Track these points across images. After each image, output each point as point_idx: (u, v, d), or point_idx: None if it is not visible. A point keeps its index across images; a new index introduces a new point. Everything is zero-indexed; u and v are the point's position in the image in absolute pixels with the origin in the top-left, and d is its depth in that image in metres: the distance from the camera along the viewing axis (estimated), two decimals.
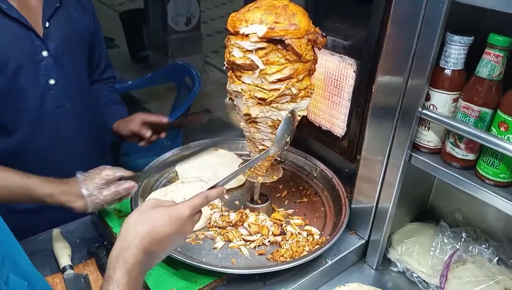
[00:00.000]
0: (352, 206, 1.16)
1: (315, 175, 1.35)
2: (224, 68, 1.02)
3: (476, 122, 0.86)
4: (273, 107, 1.00)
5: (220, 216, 1.17)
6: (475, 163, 0.89)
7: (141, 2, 5.01)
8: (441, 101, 0.91)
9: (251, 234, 1.11)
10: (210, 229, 1.14)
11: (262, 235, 1.11)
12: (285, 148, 1.07)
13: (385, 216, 1.08)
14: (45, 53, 1.24)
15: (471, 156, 0.90)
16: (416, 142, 0.98)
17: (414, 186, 1.13)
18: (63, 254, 1.11)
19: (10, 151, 1.26)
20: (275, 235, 1.11)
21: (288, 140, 1.06)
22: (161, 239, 0.74)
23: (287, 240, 1.09)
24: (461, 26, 0.86)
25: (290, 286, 1.00)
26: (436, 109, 0.92)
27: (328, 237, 1.10)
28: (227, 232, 1.11)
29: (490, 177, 0.85)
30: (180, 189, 1.25)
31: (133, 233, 0.72)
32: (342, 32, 1.13)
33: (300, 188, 1.33)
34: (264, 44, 0.93)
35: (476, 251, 1.04)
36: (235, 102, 1.06)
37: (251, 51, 0.94)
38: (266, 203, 1.20)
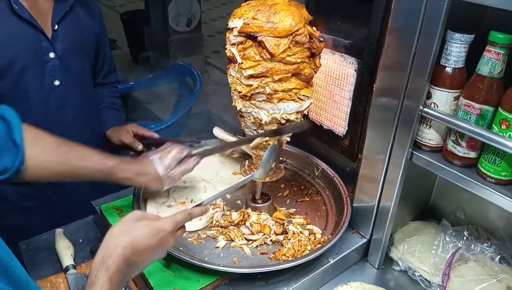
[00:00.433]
0: (353, 205, 1.16)
1: (316, 174, 1.35)
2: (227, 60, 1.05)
3: (477, 120, 0.86)
4: (252, 103, 1.01)
5: (222, 215, 1.18)
6: (477, 161, 0.89)
7: (142, 3, 5.01)
8: (442, 99, 0.91)
9: (253, 233, 1.11)
10: (212, 228, 1.15)
11: (264, 234, 1.11)
12: (269, 174, 1.12)
13: (386, 215, 1.08)
14: (52, 55, 1.27)
15: (472, 154, 0.90)
16: (417, 140, 0.98)
17: (415, 184, 1.13)
18: (66, 254, 1.12)
19: None
20: (277, 234, 1.11)
21: (273, 166, 1.11)
22: (142, 250, 0.77)
23: (289, 239, 1.09)
24: (461, 24, 0.86)
25: (292, 285, 1.00)
26: (437, 107, 0.92)
27: (330, 236, 1.10)
28: (229, 231, 1.12)
29: (492, 175, 0.85)
30: (182, 189, 1.25)
31: (116, 243, 0.75)
32: (343, 31, 1.13)
33: (302, 187, 1.33)
34: (242, 39, 0.95)
35: (478, 249, 1.04)
36: None
37: (234, 44, 0.97)
38: (268, 203, 1.20)
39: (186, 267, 1.01)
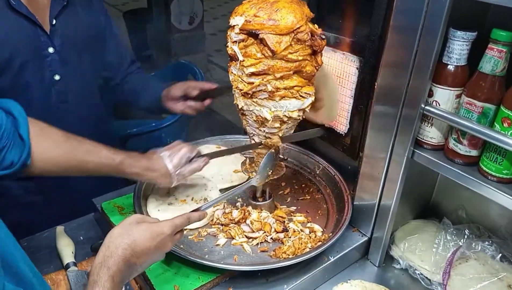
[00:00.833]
0: (354, 203, 1.16)
1: (317, 172, 1.35)
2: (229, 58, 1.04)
3: (479, 118, 0.85)
4: (254, 101, 1.01)
5: (223, 213, 1.18)
6: (478, 159, 0.89)
7: (145, 2, 5.01)
8: (444, 97, 0.91)
9: (253, 231, 1.11)
10: (213, 226, 1.15)
11: (265, 232, 1.11)
12: (266, 181, 1.13)
13: (387, 213, 1.07)
14: (51, 50, 1.27)
15: (474, 152, 0.89)
16: (418, 138, 0.98)
17: (417, 183, 1.13)
18: (67, 251, 1.12)
19: None
20: (277, 232, 1.11)
21: (270, 173, 1.13)
22: (142, 252, 0.79)
23: (290, 237, 1.09)
24: (464, 22, 0.86)
25: (292, 282, 1.00)
26: (439, 105, 0.92)
27: (331, 234, 1.10)
28: (229, 229, 1.12)
29: (493, 173, 0.85)
30: (183, 187, 1.25)
31: (116, 244, 0.77)
32: (345, 29, 1.13)
33: (303, 185, 1.33)
34: (243, 36, 0.95)
35: (479, 248, 1.04)
36: None
37: (235, 42, 0.96)
38: (269, 201, 1.20)
39: (187, 264, 1.01)
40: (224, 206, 1.21)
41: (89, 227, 1.25)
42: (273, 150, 1.09)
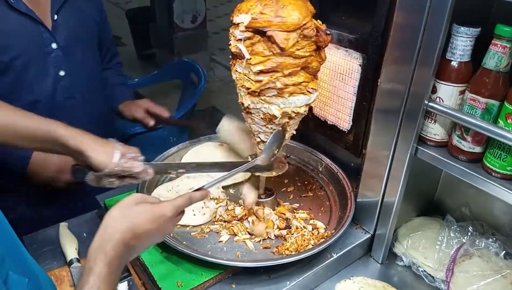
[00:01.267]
0: (357, 200, 1.16)
1: (320, 169, 1.35)
2: (230, 57, 1.04)
3: (483, 114, 0.85)
4: (261, 99, 1.00)
5: (226, 210, 1.18)
6: (482, 156, 0.89)
7: (147, 0, 5.02)
8: (447, 93, 0.91)
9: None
10: (216, 222, 1.15)
11: (265, 227, 1.11)
12: (271, 160, 1.10)
13: (390, 210, 1.07)
14: (54, 45, 1.27)
15: (478, 149, 0.89)
16: (422, 135, 0.97)
17: (420, 180, 1.13)
18: (70, 248, 1.12)
19: None
20: (280, 229, 1.11)
21: (276, 152, 1.08)
22: (142, 234, 0.75)
23: (292, 234, 1.09)
24: (467, 17, 0.85)
25: (295, 279, 1.00)
26: (443, 101, 0.91)
27: (334, 231, 1.10)
28: (232, 226, 1.12)
29: (497, 170, 0.85)
30: (185, 183, 1.25)
31: (115, 227, 0.73)
32: (348, 26, 1.12)
33: (306, 182, 1.33)
34: (249, 34, 0.94)
35: (483, 245, 1.04)
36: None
37: (240, 40, 0.95)
38: (271, 197, 1.20)
39: (189, 261, 1.01)
40: (227, 203, 1.21)
41: (92, 224, 1.25)
42: (280, 128, 1.05)
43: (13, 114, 0.95)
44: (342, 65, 1.15)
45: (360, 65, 1.10)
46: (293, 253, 1.03)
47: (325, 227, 1.14)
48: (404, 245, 1.13)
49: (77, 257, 1.10)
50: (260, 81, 0.97)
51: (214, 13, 6.60)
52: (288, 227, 1.11)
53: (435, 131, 0.95)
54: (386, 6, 0.96)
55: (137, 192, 1.18)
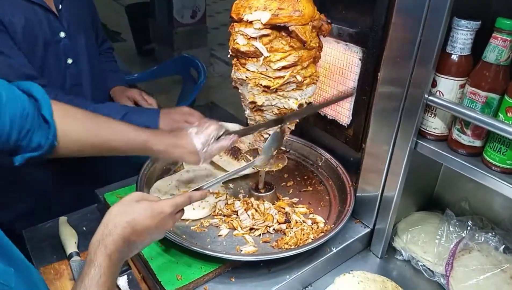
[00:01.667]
0: (357, 195, 1.16)
1: (320, 164, 1.35)
2: (229, 56, 1.02)
3: (483, 108, 0.85)
4: (279, 95, 1.00)
5: (225, 204, 1.18)
6: (482, 150, 0.89)
7: None
8: (447, 87, 0.90)
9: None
10: (215, 217, 1.15)
11: (264, 221, 1.11)
12: (270, 161, 1.11)
13: (390, 204, 1.07)
14: (62, 34, 1.31)
15: (477, 143, 0.89)
16: (422, 129, 0.97)
17: (420, 174, 1.13)
18: (70, 241, 1.12)
19: None
20: (279, 223, 1.11)
21: (274, 153, 1.09)
22: (141, 231, 0.78)
23: (292, 228, 1.09)
24: (468, 11, 0.85)
25: (294, 273, 1.01)
26: (443, 95, 0.91)
27: (333, 225, 1.10)
28: (231, 220, 1.12)
29: (497, 164, 0.85)
30: (185, 177, 1.25)
31: (115, 222, 0.76)
32: (348, 20, 1.12)
33: (305, 177, 1.33)
34: (268, 31, 0.92)
35: (482, 239, 1.04)
36: (240, 90, 1.05)
37: (255, 38, 0.93)
38: (271, 192, 1.20)
39: (189, 254, 1.01)
40: (226, 197, 1.21)
41: (92, 217, 1.25)
42: (278, 130, 1.06)
43: (104, 126, 0.97)
44: (342, 59, 1.15)
45: (360, 59, 1.10)
46: (292, 247, 1.03)
47: (324, 221, 1.14)
48: (403, 239, 1.14)
49: (77, 251, 1.10)
50: (282, 77, 0.96)
51: (213, 9, 6.58)
52: (287, 221, 1.12)
53: (435, 125, 0.95)
54: (387, 0, 0.96)
55: (136, 186, 1.18)
